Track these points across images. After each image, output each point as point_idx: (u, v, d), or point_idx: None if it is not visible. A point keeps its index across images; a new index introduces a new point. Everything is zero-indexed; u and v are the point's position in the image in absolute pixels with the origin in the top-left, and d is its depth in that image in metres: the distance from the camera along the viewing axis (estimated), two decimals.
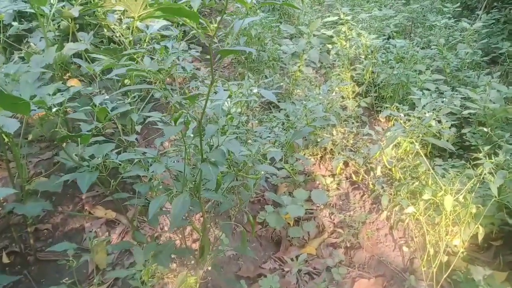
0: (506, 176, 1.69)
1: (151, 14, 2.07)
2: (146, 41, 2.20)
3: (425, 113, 1.91)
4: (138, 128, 2.13)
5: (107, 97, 1.54)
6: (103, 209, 2.11)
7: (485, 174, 1.60)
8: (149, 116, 1.30)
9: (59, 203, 2.07)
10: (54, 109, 1.34)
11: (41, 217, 1.98)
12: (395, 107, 2.21)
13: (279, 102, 2.84)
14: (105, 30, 2.49)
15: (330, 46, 3.16)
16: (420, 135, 1.93)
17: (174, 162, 1.35)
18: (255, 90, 1.54)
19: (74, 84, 2.13)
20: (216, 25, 1.00)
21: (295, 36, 3.37)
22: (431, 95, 2.15)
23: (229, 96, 1.48)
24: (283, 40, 3.03)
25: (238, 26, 1.03)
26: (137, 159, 1.40)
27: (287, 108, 2.06)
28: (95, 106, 1.48)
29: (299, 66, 2.96)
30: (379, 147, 1.94)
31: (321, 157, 2.57)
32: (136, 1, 1.94)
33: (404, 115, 2.01)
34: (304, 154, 2.47)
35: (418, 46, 3.27)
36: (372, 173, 2.23)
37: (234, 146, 1.15)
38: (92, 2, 2.12)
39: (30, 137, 2.23)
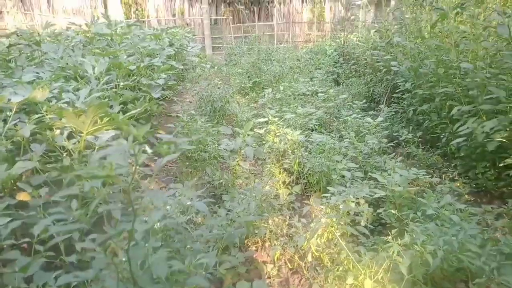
0: (413, 255, 2.05)
1: (99, 129, 2.34)
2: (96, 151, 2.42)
3: (339, 203, 2.29)
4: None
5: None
6: None
7: (395, 256, 1.94)
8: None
9: None
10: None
11: None
12: (320, 196, 2.58)
13: (221, 194, 3.11)
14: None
15: (263, 142, 3.61)
16: (342, 223, 2.28)
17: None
18: (188, 203, 1.80)
19: (23, 198, 2.21)
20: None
21: (233, 135, 3.82)
22: (346, 184, 2.58)
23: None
24: (223, 140, 3.42)
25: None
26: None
27: (228, 204, 2.34)
28: None
29: (237, 161, 3.33)
30: (305, 239, 2.25)
31: (262, 245, 2.81)
32: (83, 122, 2.19)
33: (323, 206, 2.38)
34: (247, 243, 2.70)
35: (333, 138, 3.85)
36: (304, 258, 2.49)
37: (162, 269, 1.30)
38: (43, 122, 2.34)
39: None
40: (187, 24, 17.39)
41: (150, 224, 1.41)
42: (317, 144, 3.52)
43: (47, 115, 2.54)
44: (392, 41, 5.67)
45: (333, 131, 4.96)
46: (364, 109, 5.68)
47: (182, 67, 7.37)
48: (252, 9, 17.62)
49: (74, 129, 2.37)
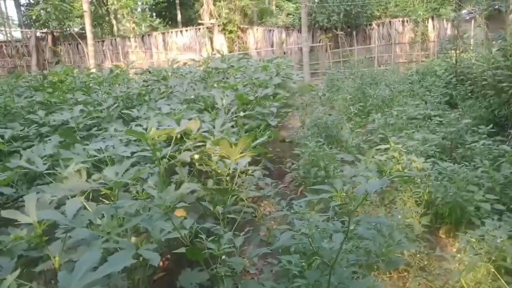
0: None
1: (244, 156, 2.58)
2: (238, 174, 2.67)
3: (495, 237, 2.13)
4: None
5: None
6: None
7: None
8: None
9: None
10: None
11: None
12: (461, 230, 2.43)
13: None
14: (197, 165, 3.03)
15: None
16: (493, 257, 2.11)
17: None
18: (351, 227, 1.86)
19: (180, 214, 2.53)
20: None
21: (352, 162, 3.83)
22: (492, 218, 2.39)
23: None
24: (344, 167, 3.46)
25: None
26: None
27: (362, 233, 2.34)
28: None
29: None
30: (458, 273, 2.13)
31: (391, 276, 2.72)
32: (233, 149, 2.45)
33: (475, 240, 2.23)
34: (378, 274, 2.64)
35: (464, 167, 3.59)
36: None
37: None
38: (201, 150, 2.67)
39: None
40: (284, 53, 18.08)
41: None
42: (447, 173, 3.32)
43: (194, 143, 2.89)
44: None
45: (454, 158, 4.62)
46: (489, 134, 5.19)
47: (288, 94, 7.67)
48: (349, 33, 17.59)
49: (221, 155, 2.66)
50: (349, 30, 17.60)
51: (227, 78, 6.24)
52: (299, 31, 17.37)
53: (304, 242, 1.67)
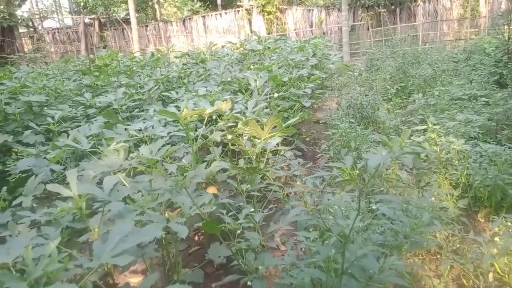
0: None
1: (273, 136, 2.63)
2: (267, 154, 2.73)
3: None
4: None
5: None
6: None
7: None
8: None
9: None
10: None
11: None
12: (501, 214, 2.34)
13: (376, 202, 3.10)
14: (230, 145, 3.13)
15: (420, 152, 3.44)
16: None
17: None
18: (374, 207, 1.87)
19: (212, 191, 2.65)
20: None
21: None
22: None
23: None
24: (377, 148, 3.40)
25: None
26: None
27: (388, 214, 2.33)
28: None
29: (393, 170, 3.26)
30: (491, 257, 2.07)
31: (423, 259, 2.69)
32: (262, 130, 2.50)
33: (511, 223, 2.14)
34: (405, 254, 2.62)
35: (508, 149, 3.41)
36: (481, 277, 2.29)
37: (372, 263, 1.42)
38: (230, 130, 2.76)
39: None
40: (324, 33, 17.64)
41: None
42: (488, 155, 3.17)
43: (226, 123, 2.98)
44: None
45: (499, 140, 4.38)
46: None
47: (324, 75, 7.55)
48: (393, 11, 16.78)
49: (250, 135, 2.73)
50: (392, 7, 16.78)
51: (263, 60, 6.25)
52: (340, 10, 16.82)
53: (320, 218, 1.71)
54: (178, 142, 3.25)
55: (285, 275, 1.61)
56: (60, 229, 1.72)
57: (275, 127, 2.80)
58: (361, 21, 17.18)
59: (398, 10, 16.65)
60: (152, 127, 3.02)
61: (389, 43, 12.68)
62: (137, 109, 4.30)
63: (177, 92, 4.26)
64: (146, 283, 1.30)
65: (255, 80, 4.20)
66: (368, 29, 16.86)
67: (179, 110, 3.13)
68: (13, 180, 2.73)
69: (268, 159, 2.84)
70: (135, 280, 2.34)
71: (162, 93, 4.59)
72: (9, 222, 2.03)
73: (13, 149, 3.52)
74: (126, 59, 6.91)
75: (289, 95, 4.81)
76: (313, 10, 18.33)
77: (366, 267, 1.45)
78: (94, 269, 1.27)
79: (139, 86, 4.89)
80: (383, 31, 16.45)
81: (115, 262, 1.19)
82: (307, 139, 5.01)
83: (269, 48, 6.90)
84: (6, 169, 3.11)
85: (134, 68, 6.14)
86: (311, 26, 18.26)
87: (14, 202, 2.43)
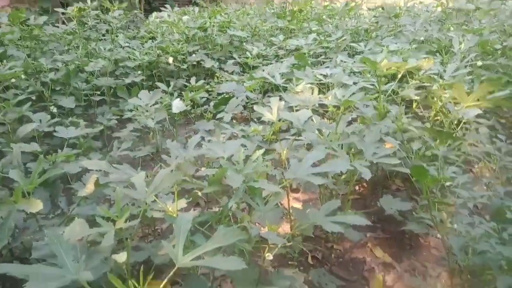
0: None
1: (478, 105, 2.31)
2: (461, 124, 2.45)
3: None
4: None
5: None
6: (381, 251, 2.38)
7: None
8: None
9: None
10: None
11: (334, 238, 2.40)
12: None
13: None
14: (414, 106, 2.92)
15: None
16: None
17: None
18: None
19: (389, 146, 2.57)
20: None
21: None
22: None
23: None
24: None
25: None
26: None
27: None
28: None
29: None
30: None
31: None
32: (467, 95, 2.21)
33: None
34: None
35: None
36: None
37: None
38: (426, 90, 2.55)
39: None
40: None
41: None
42: None
43: (423, 82, 2.76)
44: None
45: None
46: None
47: None
48: None
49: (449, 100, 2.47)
50: None
51: (471, 22, 5.39)
52: None
53: None
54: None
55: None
56: (255, 144, 1.97)
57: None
58: None
59: None
60: (336, 75, 3.05)
61: None
62: (322, 56, 4.39)
63: (364, 45, 4.14)
64: (327, 207, 1.39)
65: (460, 43, 3.69)
66: None
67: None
68: (218, 98, 3.26)
69: (461, 129, 2.55)
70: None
71: (349, 44, 4.52)
72: (214, 129, 2.45)
73: (215, 74, 4.14)
74: (319, 7, 6.99)
75: (497, 65, 4.07)
76: None
77: None
78: (288, 181, 1.44)
79: (327, 35, 4.94)
80: None
81: (310, 179, 1.30)
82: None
83: (479, 9, 5.88)
84: (210, 89, 3.70)
85: (324, 17, 6.18)
86: None
87: (217, 116, 2.91)
